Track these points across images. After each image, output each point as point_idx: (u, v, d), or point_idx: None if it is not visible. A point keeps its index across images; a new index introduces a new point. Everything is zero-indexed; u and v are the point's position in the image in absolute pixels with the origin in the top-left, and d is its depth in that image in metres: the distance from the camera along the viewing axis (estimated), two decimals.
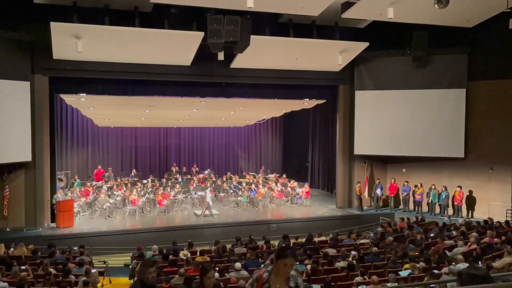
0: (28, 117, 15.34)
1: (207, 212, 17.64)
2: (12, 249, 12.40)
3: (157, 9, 14.85)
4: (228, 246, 12.68)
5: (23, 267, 9.79)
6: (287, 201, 20.41)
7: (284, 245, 5.21)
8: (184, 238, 14.31)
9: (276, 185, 20.86)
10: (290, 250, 3.75)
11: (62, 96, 17.61)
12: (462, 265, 8.61)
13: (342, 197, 19.76)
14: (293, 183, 21.32)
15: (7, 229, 15.28)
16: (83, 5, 14.40)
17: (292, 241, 13.48)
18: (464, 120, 17.83)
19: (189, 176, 22.40)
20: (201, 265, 4.83)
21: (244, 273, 9.31)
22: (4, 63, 14.54)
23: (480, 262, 9.47)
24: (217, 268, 9.44)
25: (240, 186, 20.66)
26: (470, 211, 17.52)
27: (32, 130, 15.46)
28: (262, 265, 9.17)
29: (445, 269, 8.97)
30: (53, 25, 13.38)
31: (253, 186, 20.56)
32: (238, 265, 9.54)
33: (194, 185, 20.45)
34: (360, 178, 19.54)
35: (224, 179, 22.13)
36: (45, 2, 14.04)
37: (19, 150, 15.10)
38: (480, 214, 17.01)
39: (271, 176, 23.30)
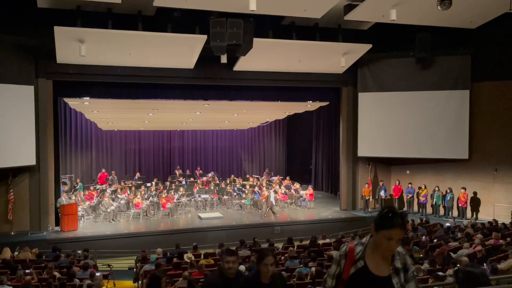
0: (32, 121, 15.39)
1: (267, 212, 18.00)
2: (16, 253, 12.43)
3: (160, 13, 14.90)
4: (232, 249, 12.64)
5: (27, 271, 9.79)
6: (291, 204, 20.39)
7: (387, 209, 2.85)
8: (188, 241, 14.32)
9: (280, 188, 20.85)
10: (397, 218, 2.74)
11: (66, 100, 17.67)
12: None
13: (346, 199, 19.72)
14: (297, 185, 21.30)
15: (12, 232, 15.31)
16: (86, 9, 14.47)
17: (296, 243, 13.46)
18: (468, 121, 17.77)
19: (192, 179, 22.41)
20: (260, 250, 4.20)
21: None
22: (8, 67, 14.60)
23: (485, 264, 9.43)
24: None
25: (243, 189, 20.66)
26: (474, 213, 17.45)
27: (36, 134, 15.50)
28: None
29: (449, 271, 8.94)
30: (57, 29, 13.44)
31: (256, 188, 20.55)
32: (242, 267, 9.53)
33: (198, 188, 20.46)
34: (364, 180, 19.50)
35: (228, 182, 22.13)
36: (49, 6, 14.12)
37: (23, 154, 15.14)
38: (485, 215, 16.94)
39: (275, 178, 23.28)
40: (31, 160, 15.36)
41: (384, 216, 2.75)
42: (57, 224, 16.07)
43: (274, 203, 18.66)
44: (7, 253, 12.03)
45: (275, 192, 20.34)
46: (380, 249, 2.76)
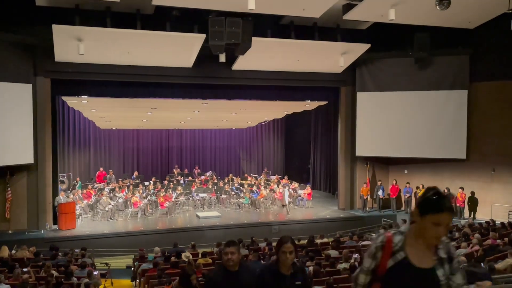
0: (30, 119, 15.37)
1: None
2: (14, 251, 12.42)
3: (158, 12, 14.89)
4: None
5: (25, 269, 9.79)
6: (289, 203, 20.38)
7: (433, 191, 2.32)
8: (186, 240, 14.33)
9: (278, 187, 20.86)
10: (446, 201, 2.46)
11: (64, 98, 17.65)
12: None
13: (344, 198, 19.74)
14: (295, 185, 21.31)
15: (10, 231, 15.29)
16: (85, 7, 14.46)
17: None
18: (466, 121, 17.81)
19: (190, 178, 22.40)
20: (280, 238, 3.83)
21: None
22: (6, 66, 14.57)
23: (482, 264, 9.45)
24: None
25: (242, 188, 20.66)
26: (472, 213, 17.48)
27: (34, 133, 15.48)
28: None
29: None
30: (55, 27, 13.42)
31: (254, 188, 20.55)
32: None
33: (196, 187, 20.45)
34: (362, 180, 19.52)
35: (226, 181, 22.11)
36: (47, 4, 14.10)
37: (21, 153, 15.12)
38: (483, 215, 16.98)
39: (273, 177, 23.29)
40: (29, 159, 15.34)
41: (430, 198, 2.44)
42: (55, 222, 16.06)
43: (287, 202, 18.81)
44: (5, 251, 12.03)
45: (273, 191, 20.36)
46: (424, 237, 2.44)
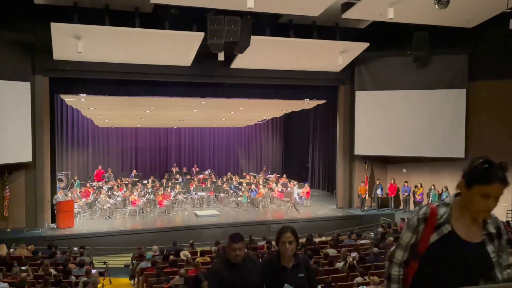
0: (29, 117, 15.33)
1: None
2: (12, 250, 12.41)
3: (157, 10, 14.86)
4: None
5: (23, 268, 9.78)
6: (287, 202, 20.40)
7: (482, 160, 2.19)
8: (185, 238, 14.32)
9: (277, 186, 20.86)
10: (497, 170, 2.18)
11: (63, 96, 17.62)
12: None
13: (342, 197, 19.74)
14: (294, 183, 21.32)
15: (8, 229, 15.27)
16: (83, 5, 14.43)
17: None
18: (465, 120, 17.82)
19: (189, 177, 22.40)
20: (280, 228, 3.71)
21: None
22: (4, 64, 14.53)
23: None
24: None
25: (240, 187, 20.66)
26: None
27: (33, 131, 15.45)
28: None
29: None
30: (54, 25, 13.39)
31: (253, 186, 20.55)
32: None
33: (195, 185, 20.45)
34: (361, 179, 19.53)
35: (225, 180, 22.12)
36: (45, 2, 14.07)
37: (19, 151, 15.09)
38: None
39: (271, 176, 23.29)
40: (27, 157, 15.32)
41: (479, 168, 2.18)
42: (53, 221, 16.04)
43: (298, 200, 18.88)
44: (3, 250, 12.01)
45: (272, 190, 20.36)
46: (471, 211, 2.20)
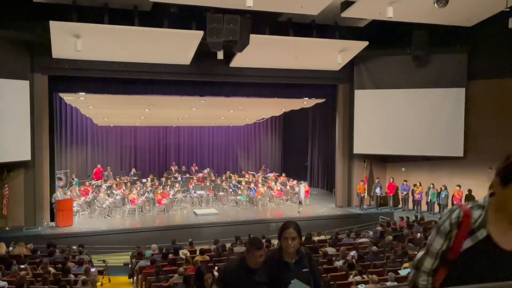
0: (28, 116, 15.32)
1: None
2: (11, 248, 12.41)
3: (156, 8, 14.85)
4: (228, 245, 12.69)
5: (22, 266, 9.79)
6: (287, 200, 20.42)
7: None
8: (184, 237, 14.32)
9: (276, 184, 20.87)
10: None
11: (61, 95, 17.61)
12: None
13: (341, 196, 19.75)
14: (292, 182, 21.33)
15: (7, 228, 15.26)
16: (82, 4, 14.41)
17: None
18: (464, 119, 17.83)
19: (188, 175, 22.41)
20: (284, 223, 3.56)
21: None
22: (3, 62, 14.50)
23: None
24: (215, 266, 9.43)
25: (239, 185, 20.67)
26: None
27: (32, 129, 15.44)
28: None
29: None
30: (53, 24, 13.37)
31: (252, 185, 20.56)
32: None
33: (194, 184, 20.45)
34: (360, 177, 19.54)
35: (224, 178, 22.13)
36: (44, 1, 14.04)
37: (18, 149, 15.08)
38: None
39: (270, 175, 23.30)
40: (26, 155, 15.30)
41: None
42: (52, 219, 16.03)
43: (302, 200, 18.94)
44: (2, 248, 12.01)
45: (271, 188, 20.36)
46: (508, 212, 1.92)
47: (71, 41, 13.80)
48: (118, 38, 14.46)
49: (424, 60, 18.03)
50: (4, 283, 8.45)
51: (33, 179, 15.69)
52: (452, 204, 17.74)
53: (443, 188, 17.94)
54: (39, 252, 11.87)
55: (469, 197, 17.59)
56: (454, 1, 12.73)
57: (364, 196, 19.20)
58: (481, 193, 17.29)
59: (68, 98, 18.05)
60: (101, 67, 15.71)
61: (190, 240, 13.30)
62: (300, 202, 18.94)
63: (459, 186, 17.56)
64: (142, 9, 14.89)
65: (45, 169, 16.00)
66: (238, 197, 19.71)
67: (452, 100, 17.94)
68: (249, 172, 24.16)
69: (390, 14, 13.82)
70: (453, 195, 17.73)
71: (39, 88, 15.53)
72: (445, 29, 16.72)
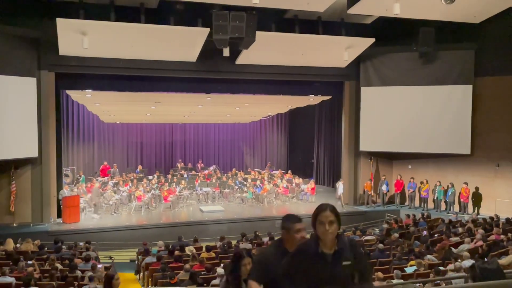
0: (35, 113, 15.40)
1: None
2: (18, 244, 12.49)
3: (162, 5, 14.88)
4: (234, 242, 12.71)
5: (29, 262, 9.84)
6: (292, 198, 20.40)
7: None
8: (190, 234, 14.35)
9: (281, 182, 20.86)
10: None
11: (68, 92, 17.67)
12: (468, 262, 8.58)
13: (347, 193, 19.69)
14: (298, 179, 21.30)
15: (14, 224, 15.37)
16: (89, 1, 14.46)
17: None
18: (471, 117, 17.72)
19: (194, 172, 22.44)
20: (318, 206, 3.02)
21: None
22: (10, 59, 14.58)
23: (486, 259, 9.44)
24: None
25: (245, 182, 20.68)
26: (476, 208, 17.42)
27: (39, 126, 15.52)
28: None
29: (450, 266, 8.95)
30: (59, 21, 13.41)
31: (258, 182, 20.56)
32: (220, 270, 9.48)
33: (200, 181, 20.48)
34: (366, 175, 19.50)
35: (230, 175, 22.14)
36: None
37: (25, 146, 15.17)
38: (486, 211, 16.91)
39: (276, 172, 23.29)
40: (33, 152, 15.39)
41: None
42: (59, 216, 16.12)
43: (339, 195, 18.96)
44: (9, 244, 12.09)
45: (277, 186, 20.36)
46: None
47: (78, 38, 13.84)
48: (124, 35, 14.49)
49: (430, 57, 17.93)
50: (12, 279, 8.51)
51: (40, 176, 15.78)
52: (459, 201, 17.67)
53: (450, 186, 17.86)
54: (46, 248, 11.93)
55: (476, 194, 17.51)
56: None
57: (370, 193, 19.17)
58: (487, 190, 17.27)
59: (74, 95, 18.12)
60: (108, 64, 15.77)
61: (195, 236, 13.34)
62: (338, 199, 18.85)
63: (466, 183, 17.47)
64: (149, 6, 14.91)
65: (52, 166, 16.08)
66: (244, 194, 19.72)
67: (459, 97, 17.83)
68: (255, 169, 24.16)
69: (397, 10, 13.74)
70: (460, 193, 17.64)
71: (46, 85, 15.60)
72: (452, 25, 16.61)
